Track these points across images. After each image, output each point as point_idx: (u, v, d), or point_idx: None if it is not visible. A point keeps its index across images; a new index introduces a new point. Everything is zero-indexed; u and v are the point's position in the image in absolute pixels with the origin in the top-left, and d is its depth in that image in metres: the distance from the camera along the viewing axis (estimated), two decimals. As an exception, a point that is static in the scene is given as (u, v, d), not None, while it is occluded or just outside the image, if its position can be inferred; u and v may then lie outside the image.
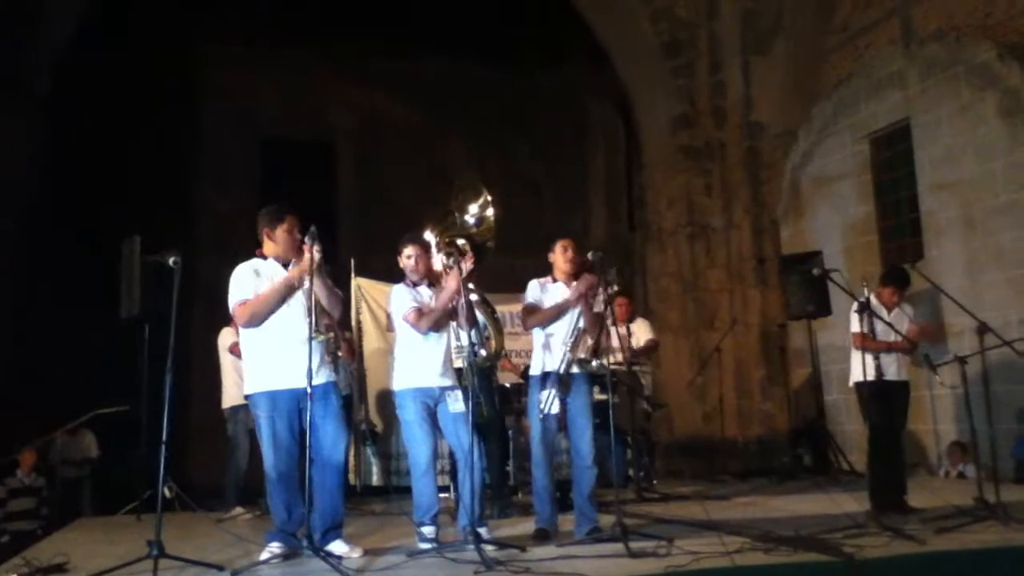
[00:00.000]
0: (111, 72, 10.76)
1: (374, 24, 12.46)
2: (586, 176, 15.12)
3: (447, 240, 5.04)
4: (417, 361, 4.87)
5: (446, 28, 12.57)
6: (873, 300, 6.06)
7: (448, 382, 4.90)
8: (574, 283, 5.03)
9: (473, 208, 5.45)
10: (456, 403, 4.83)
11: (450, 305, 4.82)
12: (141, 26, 11.14)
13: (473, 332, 4.99)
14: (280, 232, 4.59)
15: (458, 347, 5.42)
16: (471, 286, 5.11)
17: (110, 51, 10.75)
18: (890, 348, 5.81)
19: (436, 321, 4.83)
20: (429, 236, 5.66)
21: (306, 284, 4.43)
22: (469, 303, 4.86)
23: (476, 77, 14.08)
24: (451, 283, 4.78)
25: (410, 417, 4.81)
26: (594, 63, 12.57)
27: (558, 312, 4.99)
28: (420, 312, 4.83)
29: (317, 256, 4.34)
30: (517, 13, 12.14)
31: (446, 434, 4.88)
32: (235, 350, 7.01)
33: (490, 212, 5.32)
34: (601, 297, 4.98)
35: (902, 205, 9.54)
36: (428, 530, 4.75)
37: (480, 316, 5.58)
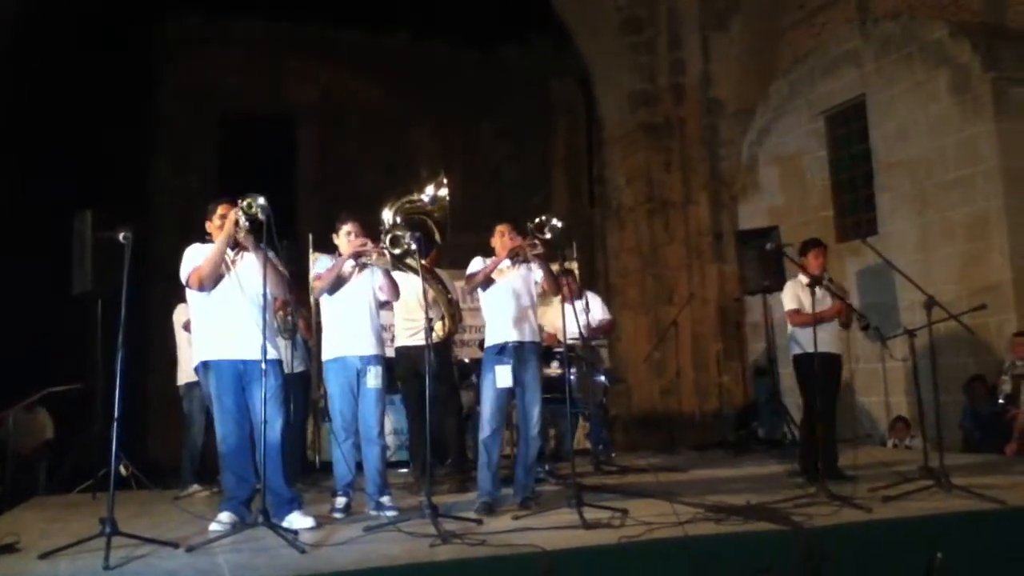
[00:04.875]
0: (64, 46, 10.49)
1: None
2: (547, 153, 15.12)
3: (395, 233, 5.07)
4: (337, 333, 5.04)
5: (410, 3, 12.45)
6: (802, 278, 6.16)
7: (369, 352, 4.99)
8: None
9: (429, 188, 5.64)
10: (375, 379, 4.96)
11: (344, 270, 4.96)
12: (87, 2, 10.85)
13: (431, 310, 5.07)
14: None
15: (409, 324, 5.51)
16: (424, 263, 5.18)
17: (63, 25, 10.48)
18: (821, 319, 5.78)
19: (329, 285, 4.96)
20: (387, 213, 5.74)
21: (240, 260, 4.57)
22: (391, 279, 5.05)
23: (438, 54, 13.98)
24: (348, 249, 4.94)
25: (332, 389, 5.01)
26: (556, 41, 12.53)
27: (493, 267, 5.11)
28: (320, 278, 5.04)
29: (244, 223, 4.39)
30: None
31: (360, 406, 4.99)
32: (189, 327, 6.94)
33: (444, 192, 5.51)
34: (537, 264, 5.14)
35: (857, 181, 9.68)
36: (340, 501, 4.95)
37: (433, 294, 5.68)
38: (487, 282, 5.11)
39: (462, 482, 6.12)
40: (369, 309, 5.07)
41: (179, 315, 7.09)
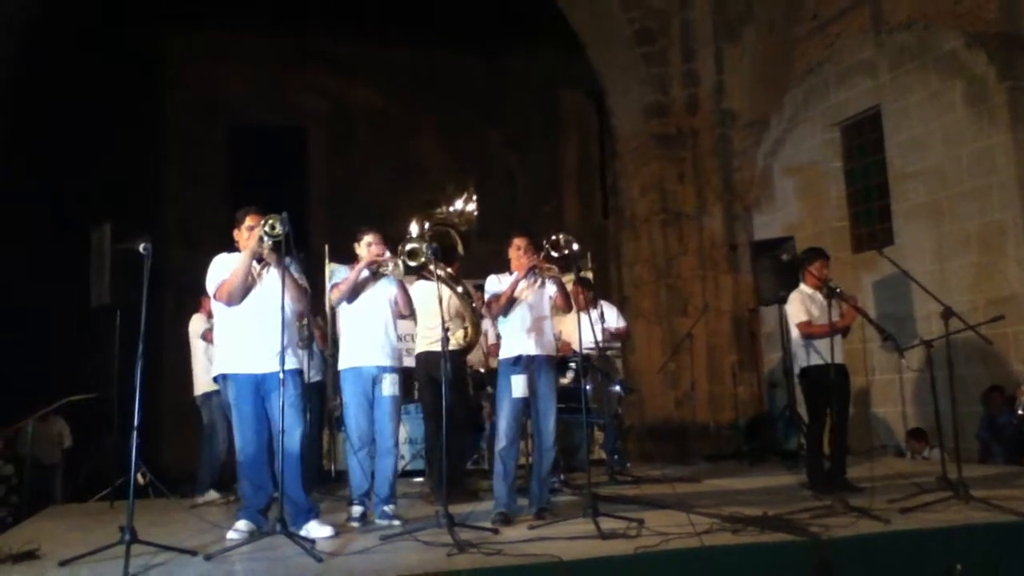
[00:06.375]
0: (77, 59, 10.60)
1: (343, 8, 12.37)
2: (559, 164, 15.14)
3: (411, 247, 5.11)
4: (353, 342, 5.08)
5: (417, 13, 12.50)
6: (806, 288, 6.15)
7: (386, 363, 5.03)
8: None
9: (458, 201, 5.74)
10: (391, 387, 5.01)
11: (359, 278, 5.01)
12: (107, 11, 10.98)
13: (454, 319, 5.10)
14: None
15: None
16: (450, 271, 5.22)
17: (76, 37, 10.59)
18: (834, 330, 5.71)
19: (346, 293, 5.02)
20: (414, 226, 5.84)
21: (265, 274, 4.60)
22: (406, 293, 5.12)
23: (448, 64, 14.05)
24: (366, 258, 5.01)
25: (348, 398, 5.05)
26: (566, 51, 12.56)
27: (512, 289, 5.09)
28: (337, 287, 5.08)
29: (268, 241, 4.41)
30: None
31: (375, 415, 5.02)
32: (208, 336, 6.96)
33: (471, 207, 5.59)
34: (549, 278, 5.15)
35: (872, 191, 9.65)
36: (356, 510, 4.99)
37: (458, 302, 5.74)
38: (509, 306, 5.11)
39: (473, 492, 6.13)
40: (386, 320, 5.12)
41: (195, 325, 7.14)
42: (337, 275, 5.23)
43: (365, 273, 5.05)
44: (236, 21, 12.51)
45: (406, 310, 5.18)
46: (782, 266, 8.23)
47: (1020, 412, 7.56)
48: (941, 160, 8.59)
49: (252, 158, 13.00)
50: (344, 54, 13.85)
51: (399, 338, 5.32)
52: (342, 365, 5.13)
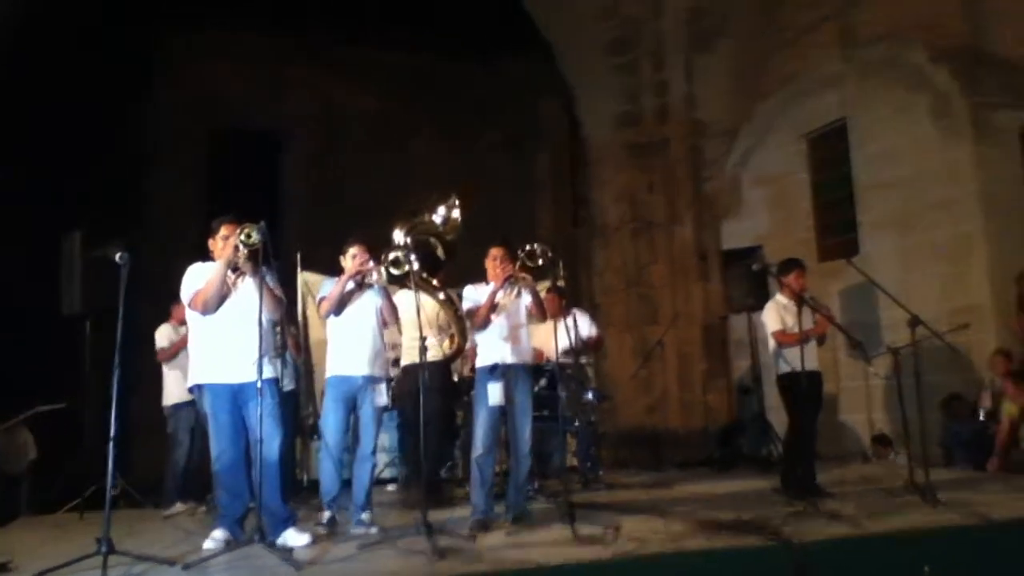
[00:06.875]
0: (77, 59, 10.46)
1: (343, 9, 12.33)
2: (532, 171, 15.20)
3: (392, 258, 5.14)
4: (340, 351, 5.12)
5: (403, 17, 12.49)
6: (782, 298, 6.26)
7: (372, 372, 5.08)
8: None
9: (441, 209, 5.75)
10: (377, 396, 5.07)
11: (345, 289, 5.05)
12: (107, 11, 10.85)
13: (439, 328, 5.13)
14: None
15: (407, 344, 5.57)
16: (435, 282, 5.23)
17: (75, 37, 10.46)
18: (807, 338, 5.87)
19: (335, 304, 5.05)
20: (398, 234, 5.85)
21: (240, 283, 4.58)
22: (391, 303, 5.15)
23: (445, 67, 14.04)
24: (351, 269, 5.05)
25: (329, 403, 5.10)
26: (544, 60, 12.63)
27: (491, 300, 5.12)
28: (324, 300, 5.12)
29: (243, 249, 4.40)
30: (470, 6, 12.09)
31: (360, 422, 5.08)
32: (163, 355, 6.94)
33: (456, 213, 5.62)
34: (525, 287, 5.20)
35: (839, 202, 9.81)
36: (325, 515, 5.03)
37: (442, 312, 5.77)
38: (488, 317, 5.15)
39: (446, 499, 6.15)
40: (373, 330, 5.15)
41: (161, 337, 7.08)
42: (324, 289, 5.23)
43: (351, 285, 5.07)
44: (225, 22, 12.41)
45: (391, 319, 5.21)
46: (752, 275, 8.34)
47: (982, 418, 7.73)
48: (907, 172, 8.75)
49: (237, 162, 12.87)
50: (333, 56, 13.78)
51: (385, 347, 5.34)
52: (328, 373, 5.15)
